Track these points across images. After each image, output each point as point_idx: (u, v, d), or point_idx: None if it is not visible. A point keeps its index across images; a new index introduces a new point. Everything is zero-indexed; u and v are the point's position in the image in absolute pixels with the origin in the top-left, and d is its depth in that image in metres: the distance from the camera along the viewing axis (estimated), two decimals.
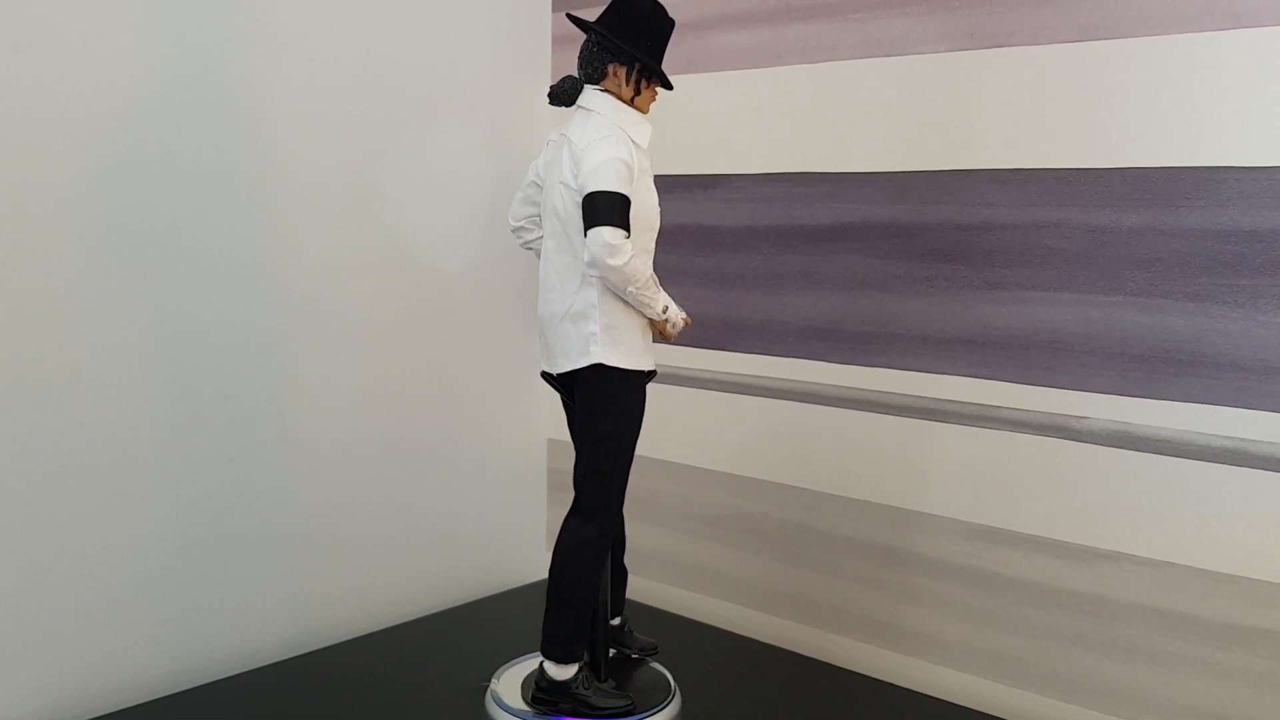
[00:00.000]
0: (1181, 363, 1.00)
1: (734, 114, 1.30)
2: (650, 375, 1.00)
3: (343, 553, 1.29)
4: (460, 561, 1.42)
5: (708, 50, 1.31)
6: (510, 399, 1.47)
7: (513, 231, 1.03)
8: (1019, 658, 1.11)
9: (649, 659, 1.07)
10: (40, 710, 1.04)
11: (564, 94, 0.95)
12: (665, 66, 1.32)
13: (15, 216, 0.99)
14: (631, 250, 0.88)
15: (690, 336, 1.34)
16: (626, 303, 0.92)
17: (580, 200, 0.90)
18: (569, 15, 0.96)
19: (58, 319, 1.02)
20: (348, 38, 1.23)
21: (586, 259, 0.88)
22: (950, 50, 1.11)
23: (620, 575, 1.07)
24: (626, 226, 0.88)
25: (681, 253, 1.35)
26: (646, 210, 0.93)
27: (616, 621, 1.07)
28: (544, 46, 1.46)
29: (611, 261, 0.87)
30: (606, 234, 0.87)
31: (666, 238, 1.34)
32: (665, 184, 1.35)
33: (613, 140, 0.90)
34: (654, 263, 1.02)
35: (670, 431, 1.38)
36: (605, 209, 0.87)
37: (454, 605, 1.37)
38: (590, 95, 0.94)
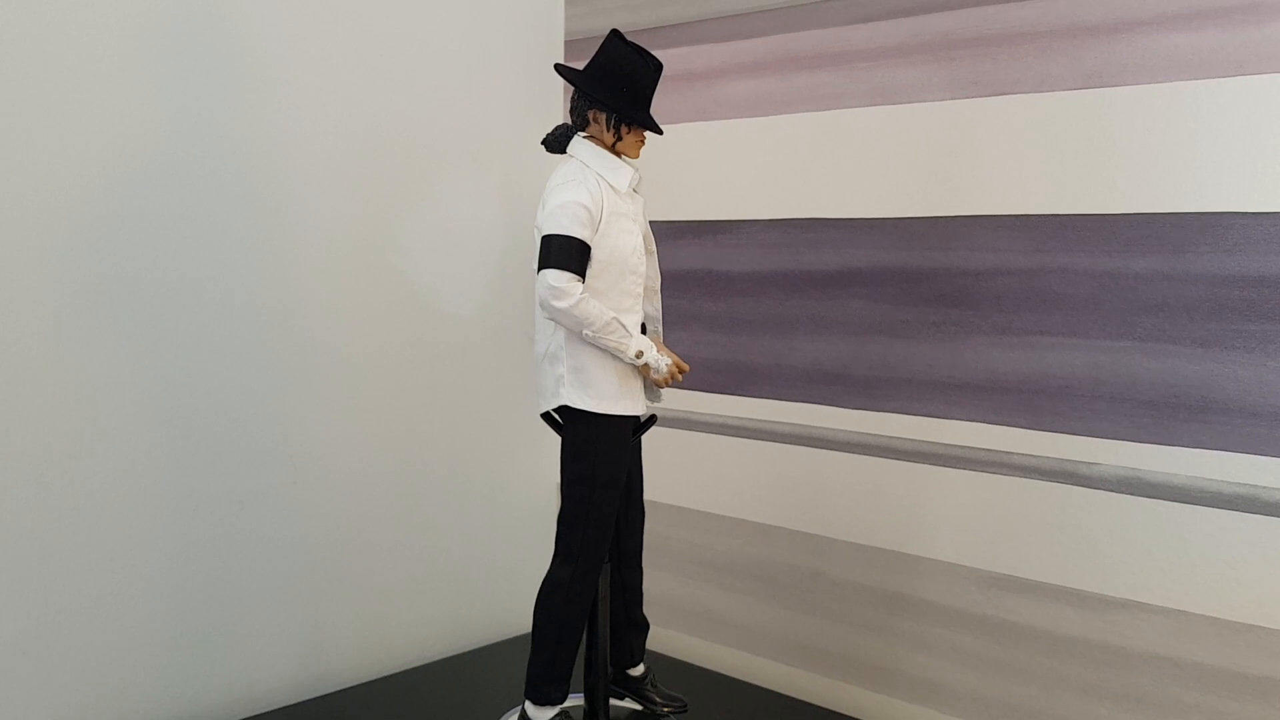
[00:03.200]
0: (1192, 408, 0.99)
1: (743, 161, 1.31)
2: (647, 421, 1.00)
3: (352, 598, 1.29)
4: (471, 606, 1.42)
5: (717, 99, 1.33)
6: (520, 442, 1.47)
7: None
8: (1031, 707, 1.10)
9: (672, 716, 1.05)
10: None
11: (555, 141, 0.97)
12: (673, 114, 1.34)
13: (29, 262, 1.00)
14: (582, 292, 0.89)
15: (699, 381, 1.34)
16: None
17: None
18: (556, 67, 0.98)
19: (71, 364, 1.03)
20: (361, 85, 1.25)
21: (537, 300, 0.90)
22: (955, 98, 1.12)
23: (637, 626, 1.06)
24: (576, 269, 0.89)
25: (691, 298, 1.35)
26: (621, 254, 0.93)
27: (637, 672, 1.06)
28: (556, 94, 1.48)
29: (557, 304, 0.89)
30: (551, 276, 0.89)
31: (676, 282, 1.36)
32: (675, 230, 1.36)
33: (574, 184, 0.91)
34: (663, 307, 1.02)
35: (680, 476, 1.38)
36: (555, 252, 0.89)
37: (464, 650, 1.36)
38: (575, 142, 0.96)
